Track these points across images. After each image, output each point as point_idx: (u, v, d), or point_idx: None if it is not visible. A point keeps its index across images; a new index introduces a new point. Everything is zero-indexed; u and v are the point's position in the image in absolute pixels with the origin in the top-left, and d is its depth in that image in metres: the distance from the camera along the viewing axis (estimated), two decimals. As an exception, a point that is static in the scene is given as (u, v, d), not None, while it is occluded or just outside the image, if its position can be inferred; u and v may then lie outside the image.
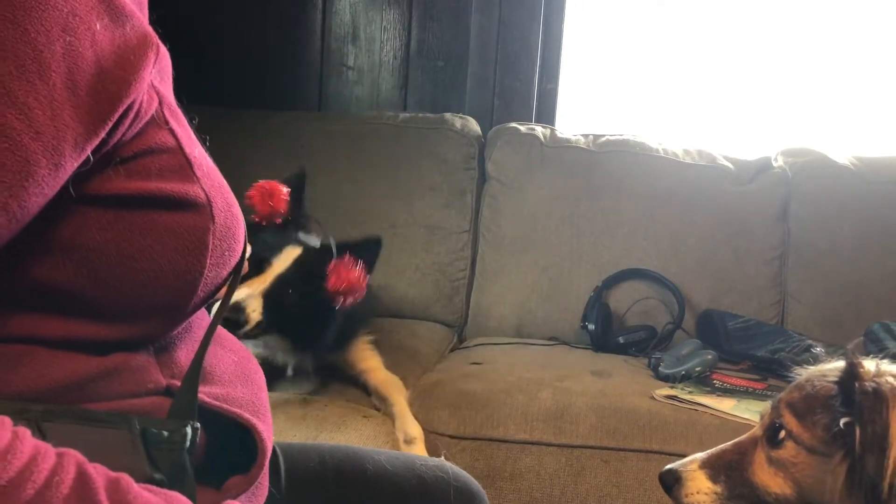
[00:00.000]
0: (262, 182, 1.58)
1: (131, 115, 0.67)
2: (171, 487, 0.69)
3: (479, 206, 2.52)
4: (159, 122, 0.72)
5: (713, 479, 1.04)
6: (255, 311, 1.59)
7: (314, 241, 1.75)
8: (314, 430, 1.64)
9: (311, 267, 1.66)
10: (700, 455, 1.08)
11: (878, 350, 2.09)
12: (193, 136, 0.78)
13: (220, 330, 0.89)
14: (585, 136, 2.56)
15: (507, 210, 2.47)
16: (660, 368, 1.99)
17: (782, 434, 0.98)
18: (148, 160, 0.70)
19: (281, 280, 1.64)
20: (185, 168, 0.73)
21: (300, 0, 2.84)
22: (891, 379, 0.93)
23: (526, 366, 2.02)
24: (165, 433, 0.71)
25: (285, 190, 1.60)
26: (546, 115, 2.80)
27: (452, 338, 2.41)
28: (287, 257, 1.67)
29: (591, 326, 2.23)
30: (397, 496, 1.03)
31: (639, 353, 2.20)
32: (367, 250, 1.70)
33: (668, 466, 1.09)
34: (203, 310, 0.88)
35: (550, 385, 1.85)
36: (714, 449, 1.09)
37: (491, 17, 2.75)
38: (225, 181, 0.80)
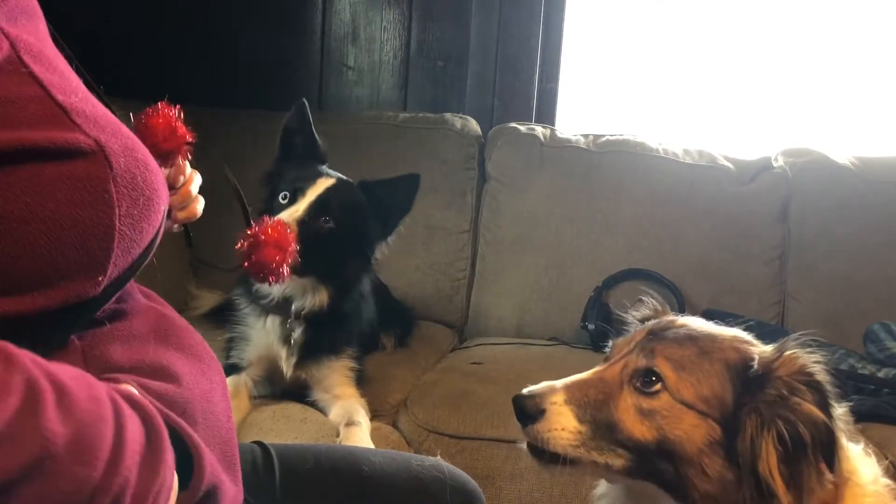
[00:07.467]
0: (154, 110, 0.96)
1: None
2: None
3: (479, 206, 2.53)
4: (14, 68, 0.63)
5: (580, 417, 0.97)
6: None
7: (344, 177, 1.72)
8: (314, 433, 1.64)
9: (346, 199, 1.63)
10: (558, 384, 1.00)
11: (879, 350, 2.09)
12: (74, 82, 0.70)
13: (186, 332, 0.81)
14: (585, 136, 2.56)
15: (507, 210, 2.47)
16: (659, 368, 1.99)
17: (658, 386, 0.95)
18: (9, 112, 0.62)
19: (317, 205, 1.60)
20: (60, 116, 0.65)
21: (300, 0, 2.84)
22: (813, 376, 0.92)
23: (526, 366, 2.02)
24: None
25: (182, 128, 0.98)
26: (546, 115, 2.80)
27: (452, 338, 2.41)
28: (321, 186, 1.63)
29: (591, 326, 2.22)
30: (394, 496, 1.03)
31: (639, 353, 2.19)
32: (405, 187, 1.69)
33: (529, 391, 1.01)
34: (167, 314, 0.81)
35: (550, 385, 1.85)
36: (572, 380, 1.01)
37: (491, 17, 2.75)
38: (124, 126, 0.72)
